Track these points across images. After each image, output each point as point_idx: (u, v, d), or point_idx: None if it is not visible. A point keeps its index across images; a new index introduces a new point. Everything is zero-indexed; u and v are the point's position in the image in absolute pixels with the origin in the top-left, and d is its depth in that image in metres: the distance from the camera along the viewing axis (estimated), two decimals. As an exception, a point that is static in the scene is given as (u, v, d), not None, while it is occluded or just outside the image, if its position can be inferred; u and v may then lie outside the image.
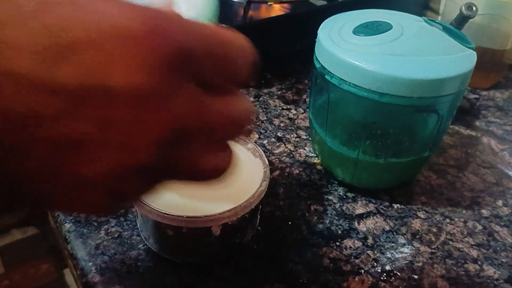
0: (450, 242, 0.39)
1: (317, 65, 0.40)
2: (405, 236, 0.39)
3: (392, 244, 0.38)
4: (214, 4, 0.35)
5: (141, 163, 0.18)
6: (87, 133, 0.16)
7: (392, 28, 0.38)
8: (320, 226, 0.39)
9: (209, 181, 0.22)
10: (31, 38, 0.15)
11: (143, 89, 0.17)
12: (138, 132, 0.17)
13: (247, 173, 0.35)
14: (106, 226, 0.37)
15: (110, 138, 0.17)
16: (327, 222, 0.40)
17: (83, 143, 0.16)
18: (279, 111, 0.54)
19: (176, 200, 0.32)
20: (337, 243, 0.38)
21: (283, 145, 0.49)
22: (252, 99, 0.56)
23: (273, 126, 0.52)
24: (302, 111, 0.54)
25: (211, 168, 0.21)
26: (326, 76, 0.38)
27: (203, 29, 0.19)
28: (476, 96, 0.59)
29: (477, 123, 0.54)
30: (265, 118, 0.53)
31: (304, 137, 0.50)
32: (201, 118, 0.19)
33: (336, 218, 0.40)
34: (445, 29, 0.39)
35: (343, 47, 0.37)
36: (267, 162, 0.36)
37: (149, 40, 0.17)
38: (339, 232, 0.39)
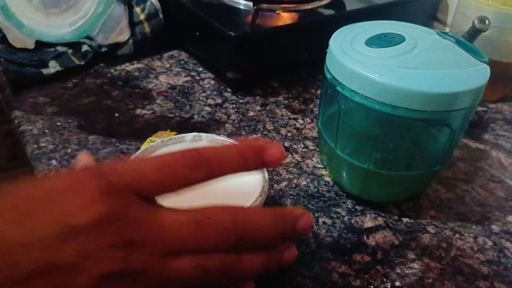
0: (460, 258, 0.38)
1: (328, 76, 0.39)
2: (415, 251, 0.38)
3: (402, 259, 0.38)
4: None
5: None
6: None
7: (405, 40, 0.37)
8: (329, 239, 0.39)
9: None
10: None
11: None
12: None
13: (245, 187, 0.34)
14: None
15: None
16: (336, 235, 0.39)
17: None
18: (286, 120, 0.54)
19: None
20: (346, 257, 0.37)
21: (290, 155, 0.48)
22: (258, 107, 0.56)
23: (280, 135, 0.51)
24: (310, 121, 0.54)
25: None
26: (337, 87, 0.38)
27: None
28: (484, 108, 0.59)
29: (486, 136, 0.54)
30: (272, 127, 0.52)
31: (312, 147, 0.50)
32: None
33: (345, 231, 0.40)
34: (458, 42, 0.39)
35: (355, 59, 0.36)
36: (267, 177, 0.35)
37: None
38: (348, 246, 0.38)
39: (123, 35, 0.32)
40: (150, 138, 0.48)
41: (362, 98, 0.36)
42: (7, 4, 0.32)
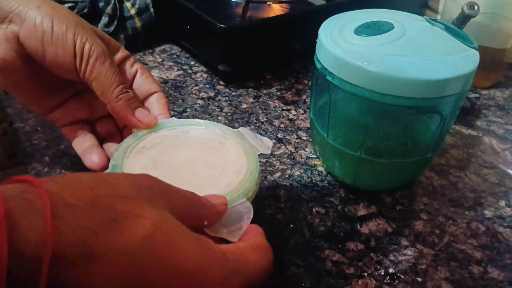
0: (454, 244, 0.38)
1: (318, 66, 0.39)
2: (408, 238, 0.39)
3: (395, 246, 0.38)
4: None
5: None
6: None
7: (394, 28, 0.37)
8: (322, 228, 0.39)
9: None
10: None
11: None
12: None
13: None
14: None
15: None
16: (329, 224, 0.39)
17: None
18: (279, 112, 0.54)
19: None
20: (340, 246, 0.38)
21: (283, 146, 0.48)
22: (251, 100, 0.55)
23: (273, 127, 0.51)
24: (302, 112, 0.54)
25: None
26: (328, 77, 0.38)
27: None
28: (477, 95, 0.59)
29: (478, 122, 0.54)
30: (265, 119, 0.52)
31: (305, 138, 0.50)
32: None
33: (338, 220, 0.40)
34: (447, 29, 0.39)
35: (345, 48, 0.36)
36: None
37: None
38: (342, 234, 0.39)
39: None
40: None
41: (352, 86, 0.36)
42: (122, 165, 0.32)
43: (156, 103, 0.39)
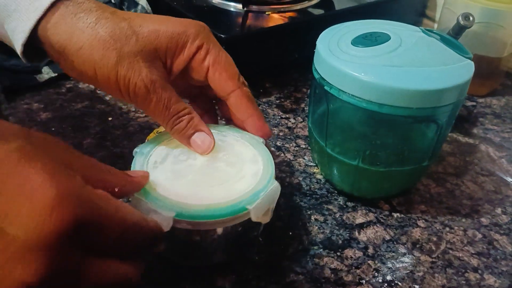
0: (450, 251, 0.39)
1: (316, 76, 0.40)
2: (406, 246, 0.39)
3: (393, 254, 0.38)
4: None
5: None
6: None
7: (390, 39, 0.38)
8: (321, 236, 0.40)
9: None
10: None
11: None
12: None
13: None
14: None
15: None
16: (328, 232, 0.40)
17: None
18: (278, 120, 0.54)
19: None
20: (338, 253, 0.38)
21: (282, 154, 0.49)
22: (251, 108, 0.56)
23: (272, 135, 0.52)
24: (301, 120, 0.55)
25: None
26: (325, 87, 0.38)
27: (108, 206, 0.23)
28: (473, 103, 0.60)
29: (475, 130, 0.55)
30: (264, 127, 0.53)
31: (303, 146, 0.50)
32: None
33: (337, 228, 0.40)
34: (443, 39, 0.40)
35: (342, 58, 0.37)
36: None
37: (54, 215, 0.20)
38: (340, 242, 0.39)
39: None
40: (157, 129, 0.47)
41: (349, 96, 0.36)
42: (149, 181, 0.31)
43: (239, 104, 0.36)
